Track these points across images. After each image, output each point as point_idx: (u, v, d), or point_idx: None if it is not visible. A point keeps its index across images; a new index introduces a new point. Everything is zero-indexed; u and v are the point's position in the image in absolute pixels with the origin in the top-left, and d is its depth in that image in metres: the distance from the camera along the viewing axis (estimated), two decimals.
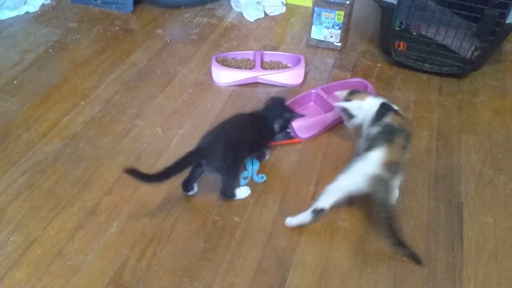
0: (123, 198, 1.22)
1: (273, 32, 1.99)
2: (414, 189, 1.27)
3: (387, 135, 1.13)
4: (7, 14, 2.02)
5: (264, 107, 1.31)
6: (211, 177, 1.26)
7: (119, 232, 1.13)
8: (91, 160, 1.33)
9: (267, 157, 1.35)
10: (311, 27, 1.82)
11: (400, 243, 1.04)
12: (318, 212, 1.12)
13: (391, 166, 1.07)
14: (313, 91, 1.51)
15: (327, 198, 1.11)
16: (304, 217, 1.13)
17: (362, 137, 1.25)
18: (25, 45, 1.85)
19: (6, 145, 1.37)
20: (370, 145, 1.11)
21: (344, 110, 1.26)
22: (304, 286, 1.03)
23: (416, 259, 1.07)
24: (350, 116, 1.26)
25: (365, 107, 1.23)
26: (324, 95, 1.47)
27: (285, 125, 1.30)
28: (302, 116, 1.31)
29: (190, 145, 1.27)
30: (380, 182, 1.05)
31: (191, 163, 1.15)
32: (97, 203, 1.20)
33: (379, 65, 1.78)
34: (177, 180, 1.21)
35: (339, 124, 1.45)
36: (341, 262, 1.08)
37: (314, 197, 1.23)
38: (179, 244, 1.11)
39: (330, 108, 1.44)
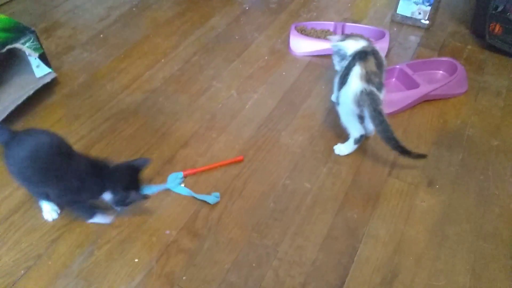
0: (198, 152, 1.24)
1: (355, 6, 1.91)
2: (502, 177, 1.18)
3: (359, 56, 1.13)
4: None
5: (111, 168, 0.99)
6: (283, 141, 1.26)
7: (193, 182, 1.15)
8: (169, 114, 1.36)
9: (118, 210, 1.06)
10: (398, 2, 1.73)
11: (404, 151, 1.12)
12: (359, 140, 1.21)
13: (370, 77, 1.10)
14: (397, 66, 1.43)
15: (353, 129, 1.19)
16: (351, 148, 1.23)
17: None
18: (111, 2, 1.92)
19: (92, 93, 1.44)
20: (345, 72, 1.14)
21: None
22: (376, 258, 1.00)
23: (421, 156, 1.17)
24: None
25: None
26: (410, 72, 1.39)
27: (121, 203, 1.01)
28: (145, 198, 1.02)
29: (263, 109, 1.27)
30: (365, 97, 1.09)
31: None
32: (173, 154, 1.23)
33: (469, 47, 1.66)
34: (249, 142, 1.22)
35: (421, 103, 1.38)
36: (417, 241, 1.03)
37: (391, 173, 1.19)
38: (249, 201, 1.12)
39: (414, 85, 1.36)
